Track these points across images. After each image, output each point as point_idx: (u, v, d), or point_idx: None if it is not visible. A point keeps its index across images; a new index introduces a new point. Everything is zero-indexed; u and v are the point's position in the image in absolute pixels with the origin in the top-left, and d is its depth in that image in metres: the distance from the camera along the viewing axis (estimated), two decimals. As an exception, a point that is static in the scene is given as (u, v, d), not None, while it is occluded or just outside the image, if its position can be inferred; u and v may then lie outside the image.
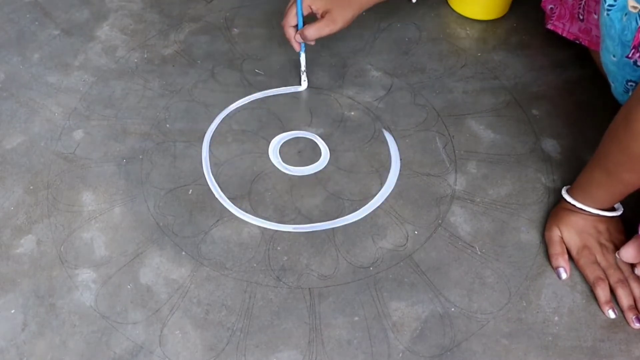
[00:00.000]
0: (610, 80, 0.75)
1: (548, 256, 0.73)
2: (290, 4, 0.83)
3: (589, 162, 0.70)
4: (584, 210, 0.72)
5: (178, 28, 1.01)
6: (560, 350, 0.67)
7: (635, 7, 0.64)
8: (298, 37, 0.83)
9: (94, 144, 0.84)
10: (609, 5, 0.67)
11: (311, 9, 0.81)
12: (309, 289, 0.71)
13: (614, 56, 0.71)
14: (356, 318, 0.69)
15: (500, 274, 0.73)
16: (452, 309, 0.70)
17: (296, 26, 0.83)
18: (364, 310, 0.70)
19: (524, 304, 0.70)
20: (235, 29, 1.01)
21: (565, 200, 0.73)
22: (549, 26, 0.94)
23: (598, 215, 0.72)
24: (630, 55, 0.67)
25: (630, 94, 0.74)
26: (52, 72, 0.94)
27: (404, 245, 0.75)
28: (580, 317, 0.69)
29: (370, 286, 0.71)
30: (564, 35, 0.92)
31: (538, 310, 0.70)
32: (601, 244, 0.72)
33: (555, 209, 0.76)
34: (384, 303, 0.70)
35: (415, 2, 0.92)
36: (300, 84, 0.91)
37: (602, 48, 0.73)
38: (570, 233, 0.73)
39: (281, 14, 1.06)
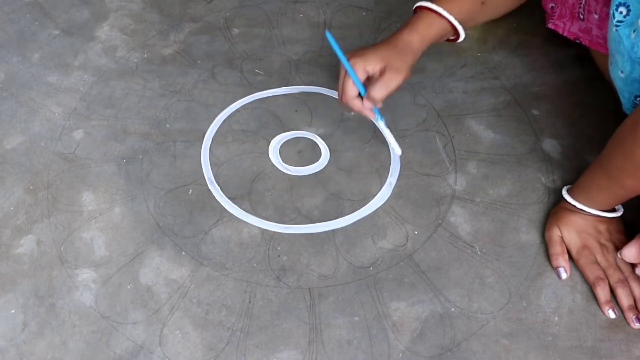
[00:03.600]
0: (619, 95, 0.75)
1: (548, 256, 0.73)
2: (342, 76, 0.76)
3: (591, 165, 0.70)
4: (584, 211, 0.72)
5: (178, 28, 1.01)
6: (560, 350, 0.67)
7: None
8: (368, 103, 0.74)
9: (94, 144, 0.84)
10: (618, 21, 0.66)
11: (367, 72, 0.74)
12: (309, 289, 0.71)
13: (622, 72, 0.70)
14: (356, 318, 0.69)
15: (500, 274, 0.73)
16: (452, 309, 0.70)
17: (359, 95, 0.75)
18: (364, 310, 0.70)
19: (524, 304, 0.70)
20: (235, 29, 1.01)
21: (565, 200, 0.73)
22: (550, 25, 0.94)
23: (598, 215, 0.72)
24: None
25: None
26: (52, 72, 0.94)
27: (404, 245, 0.75)
28: (580, 317, 0.69)
29: (370, 286, 0.71)
30: (565, 34, 0.92)
31: (538, 310, 0.70)
32: (601, 244, 0.72)
33: (555, 209, 0.76)
34: (384, 303, 0.70)
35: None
36: (393, 150, 0.83)
37: (610, 63, 0.72)
38: (570, 233, 0.73)
39: (281, 14, 1.06)
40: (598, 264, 0.71)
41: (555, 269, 0.72)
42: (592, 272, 0.71)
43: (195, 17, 1.03)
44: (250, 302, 0.70)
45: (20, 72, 0.94)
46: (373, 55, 0.73)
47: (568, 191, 0.74)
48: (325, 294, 0.71)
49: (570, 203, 0.72)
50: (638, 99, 0.72)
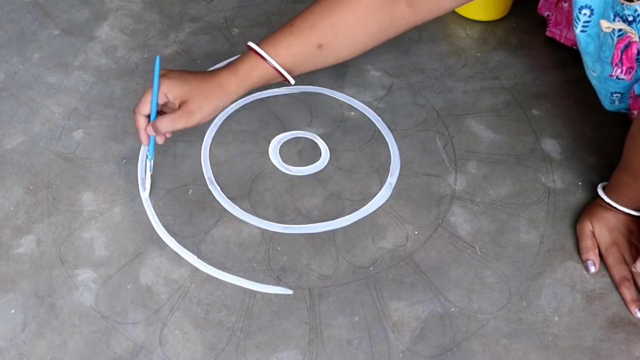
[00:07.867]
0: (597, 93, 0.76)
1: (579, 249, 0.74)
2: (146, 90, 0.70)
3: (618, 165, 0.71)
4: (617, 209, 0.72)
5: (178, 28, 1.01)
6: (560, 350, 0.67)
7: (608, 28, 0.64)
8: (150, 128, 0.70)
9: (94, 144, 0.84)
10: (584, 23, 0.67)
11: (167, 97, 0.69)
12: (309, 289, 0.71)
13: (594, 72, 0.71)
14: (356, 318, 0.69)
15: (500, 274, 0.73)
16: (452, 309, 0.70)
17: (148, 116, 0.71)
18: (364, 310, 0.70)
19: (524, 304, 0.70)
20: (235, 29, 1.01)
21: (600, 197, 0.74)
22: (548, 33, 0.95)
23: (630, 215, 0.72)
24: (612, 74, 0.67)
25: (616, 104, 0.75)
26: (52, 72, 0.94)
27: (404, 245, 0.75)
28: (580, 317, 0.69)
29: (370, 286, 0.71)
30: (562, 41, 0.93)
31: (538, 310, 0.70)
32: (630, 243, 0.72)
33: (590, 205, 0.76)
34: (384, 303, 0.70)
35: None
36: (143, 188, 0.79)
37: (584, 64, 0.73)
38: (601, 229, 0.73)
39: (281, 14, 1.06)
40: (626, 263, 0.71)
41: (585, 262, 0.72)
42: (618, 272, 0.71)
43: (195, 17, 1.03)
44: (250, 302, 0.70)
45: (20, 72, 0.94)
46: (179, 85, 0.69)
47: (603, 188, 0.74)
48: (325, 294, 0.71)
49: (604, 200, 0.73)
50: (615, 95, 0.73)
